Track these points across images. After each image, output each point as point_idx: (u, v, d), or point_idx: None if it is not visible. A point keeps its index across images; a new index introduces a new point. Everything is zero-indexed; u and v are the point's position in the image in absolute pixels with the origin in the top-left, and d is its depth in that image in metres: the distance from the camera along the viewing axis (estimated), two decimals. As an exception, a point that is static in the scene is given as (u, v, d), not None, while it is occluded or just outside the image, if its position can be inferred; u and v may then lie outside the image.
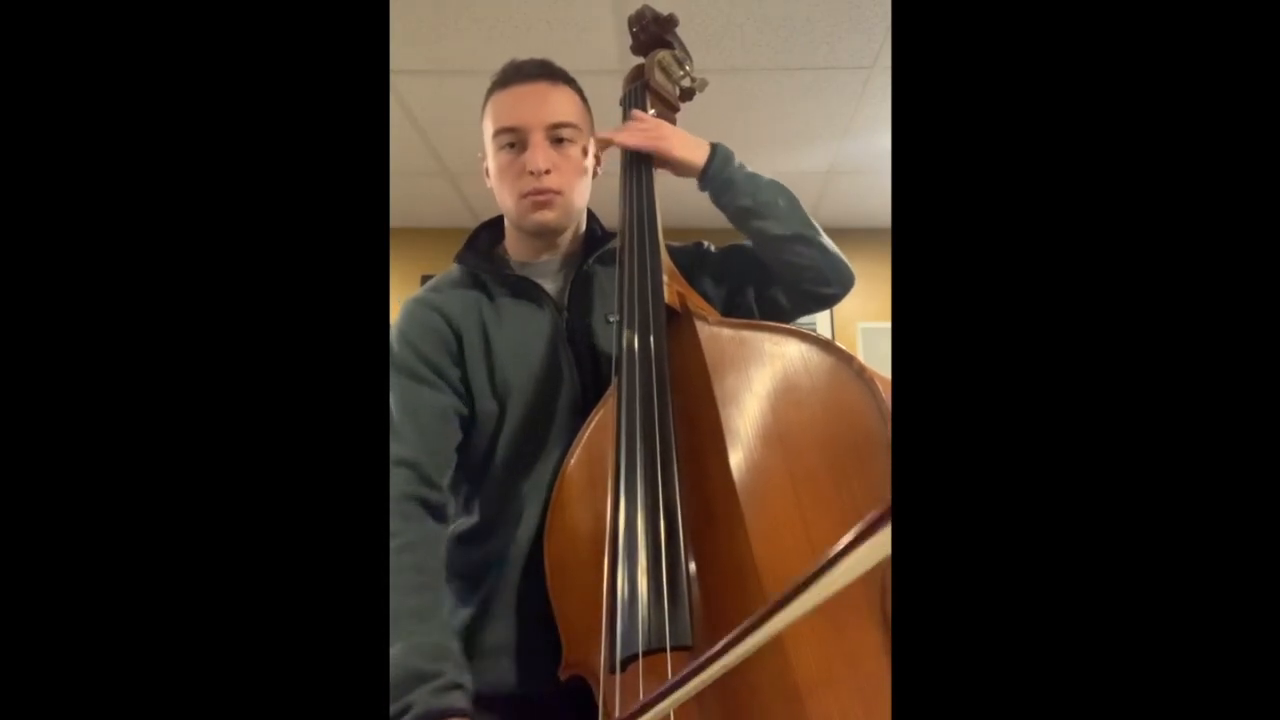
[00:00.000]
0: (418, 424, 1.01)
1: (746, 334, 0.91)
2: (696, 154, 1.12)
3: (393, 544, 0.92)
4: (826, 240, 1.12)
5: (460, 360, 1.08)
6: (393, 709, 0.82)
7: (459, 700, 0.85)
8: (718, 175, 1.11)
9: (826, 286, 1.11)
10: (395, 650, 0.85)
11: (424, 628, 0.89)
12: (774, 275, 1.13)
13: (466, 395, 1.07)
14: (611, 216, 1.17)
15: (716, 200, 1.13)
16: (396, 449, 0.99)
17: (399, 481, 0.97)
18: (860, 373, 0.81)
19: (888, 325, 3.63)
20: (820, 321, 3.66)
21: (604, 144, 1.15)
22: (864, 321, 3.74)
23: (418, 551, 0.94)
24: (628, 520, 0.81)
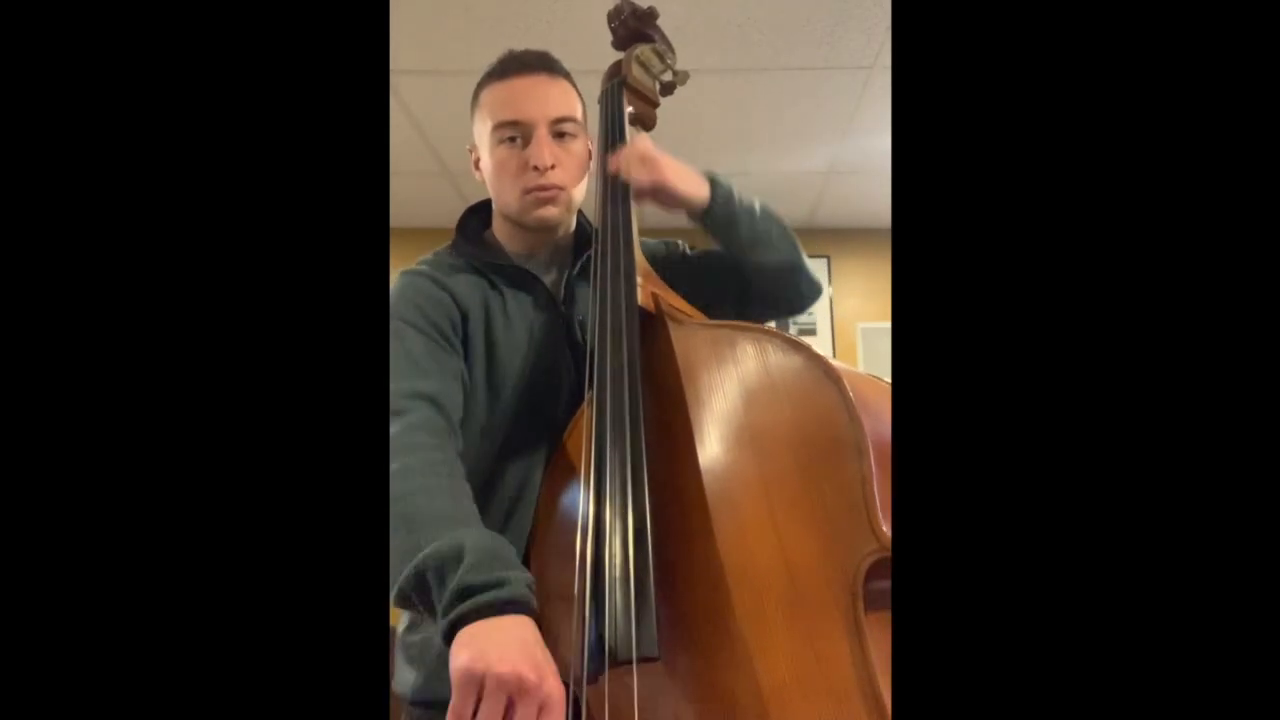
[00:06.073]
0: (440, 370, 0.98)
1: (719, 334, 0.91)
2: (698, 190, 1.08)
3: (416, 460, 0.87)
4: (806, 260, 1.16)
5: (463, 339, 1.05)
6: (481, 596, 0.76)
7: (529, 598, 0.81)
8: (721, 212, 1.08)
9: (800, 300, 1.17)
10: (469, 536, 0.81)
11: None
12: (752, 290, 1.13)
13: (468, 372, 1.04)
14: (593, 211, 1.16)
15: (715, 234, 1.11)
16: (422, 384, 0.94)
17: (426, 413, 0.93)
18: (828, 373, 0.81)
19: (888, 325, 3.62)
20: (820, 322, 3.65)
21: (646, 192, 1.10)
22: (864, 321, 3.73)
23: (451, 466, 0.90)
24: (596, 530, 0.81)
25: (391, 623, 1.05)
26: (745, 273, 1.13)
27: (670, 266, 1.14)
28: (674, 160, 1.09)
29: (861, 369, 0.87)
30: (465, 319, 1.05)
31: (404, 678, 1.04)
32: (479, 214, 1.19)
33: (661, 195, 1.08)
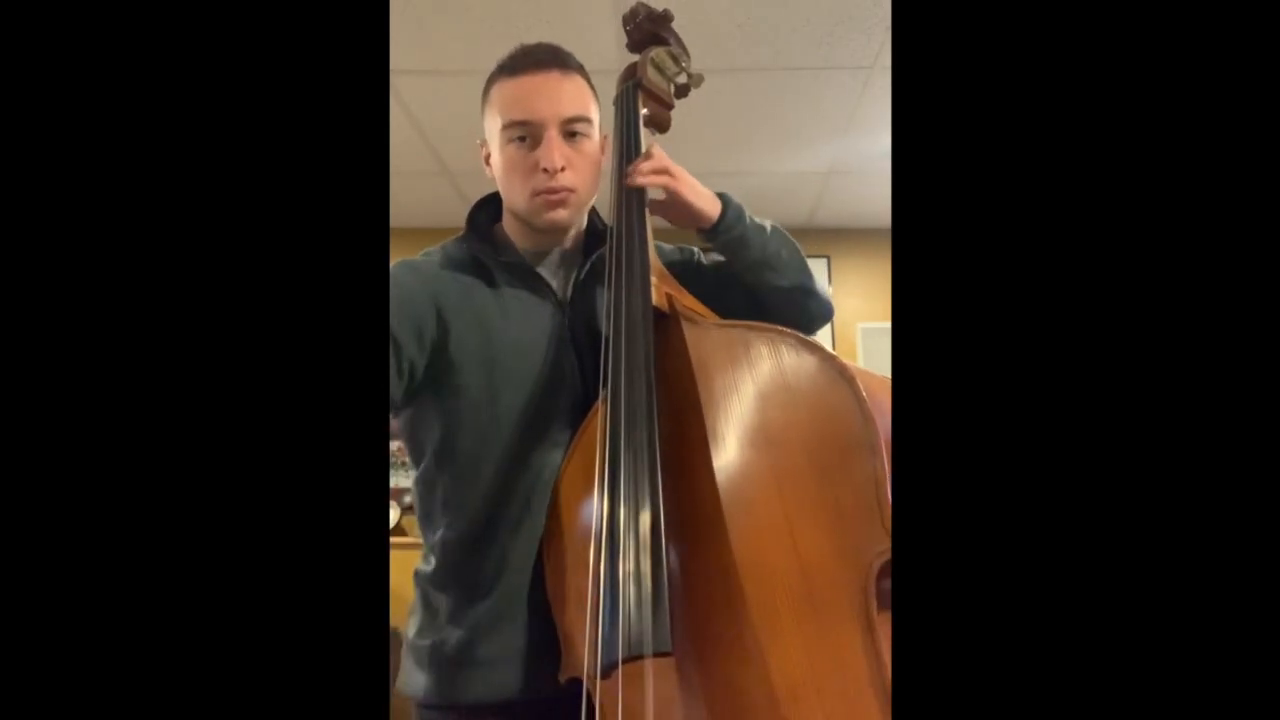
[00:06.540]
0: None
1: (733, 335, 0.92)
2: (710, 206, 1.07)
3: None
4: (818, 284, 1.15)
5: (436, 341, 1.03)
6: None
7: None
8: (731, 230, 1.08)
9: (810, 322, 1.15)
10: None
11: None
12: (762, 308, 1.11)
13: (408, 381, 1.02)
14: (604, 207, 1.16)
15: (724, 253, 1.10)
16: None
17: None
18: (842, 373, 0.81)
19: (888, 325, 3.62)
20: (820, 321, 3.65)
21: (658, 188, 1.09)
22: (864, 321, 3.74)
23: None
24: (610, 526, 0.81)
25: (397, 626, 1.05)
26: (756, 292, 1.12)
27: (684, 273, 1.13)
28: (688, 174, 1.08)
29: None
30: (441, 320, 1.03)
31: (414, 681, 1.04)
32: (488, 208, 1.17)
33: (674, 208, 1.08)
